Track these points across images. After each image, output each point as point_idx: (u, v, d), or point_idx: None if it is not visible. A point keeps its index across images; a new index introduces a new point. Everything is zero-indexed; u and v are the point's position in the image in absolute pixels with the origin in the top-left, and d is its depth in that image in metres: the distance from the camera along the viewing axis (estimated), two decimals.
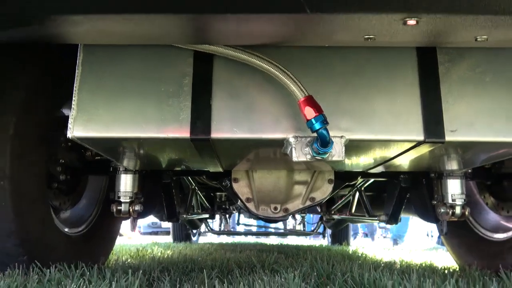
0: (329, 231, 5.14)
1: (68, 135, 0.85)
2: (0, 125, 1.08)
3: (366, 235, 7.35)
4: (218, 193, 2.92)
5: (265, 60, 0.79)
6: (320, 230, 5.11)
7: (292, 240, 6.39)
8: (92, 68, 0.87)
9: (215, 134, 0.85)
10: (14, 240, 1.13)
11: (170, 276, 1.15)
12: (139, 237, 7.02)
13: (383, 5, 0.60)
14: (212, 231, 4.88)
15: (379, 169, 1.37)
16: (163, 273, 1.24)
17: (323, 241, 5.89)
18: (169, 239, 5.52)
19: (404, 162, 1.20)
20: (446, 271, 1.42)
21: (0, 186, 1.07)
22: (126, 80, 0.87)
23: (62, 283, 0.90)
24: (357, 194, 2.20)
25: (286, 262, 1.60)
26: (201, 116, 0.84)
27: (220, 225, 5.11)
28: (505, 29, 0.71)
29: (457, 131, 0.86)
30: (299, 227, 5.30)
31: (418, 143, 0.87)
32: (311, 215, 5.23)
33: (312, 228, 5.12)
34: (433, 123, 0.85)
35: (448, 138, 0.85)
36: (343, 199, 2.50)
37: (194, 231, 5.05)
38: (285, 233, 5.88)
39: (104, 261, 1.72)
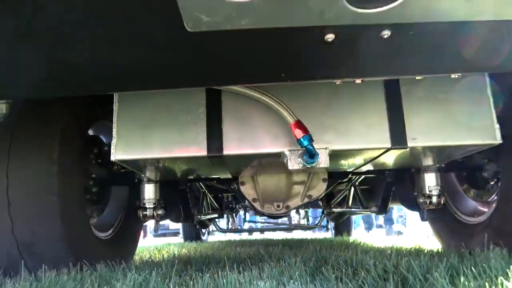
0: (332, 224, 5.39)
1: (111, 159, 1.09)
2: (47, 152, 1.32)
3: (380, 226, 7.52)
4: (225, 194, 3.17)
5: (263, 93, 1.02)
6: (324, 223, 5.37)
7: (297, 234, 6.64)
8: (126, 104, 1.10)
9: (226, 151, 1.08)
10: (64, 244, 1.36)
11: (192, 268, 1.38)
12: (151, 239, 7.28)
13: (345, 75, 0.81)
14: (220, 229, 5.13)
15: (367, 167, 1.60)
16: (185, 266, 1.47)
17: (327, 234, 6.13)
18: (177, 239, 5.78)
19: (387, 161, 1.42)
20: (427, 252, 1.65)
21: (51, 201, 1.31)
22: (154, 112, 1.10)
23: (113, 277, 1.13)
24: (352, 189, 2.44)
25: (290, 252, 1.83)
26: (214, 138, 1.07)
27: (227, 224, 5.34)
28: None
29: (417, 139, 1.09)
30: (303, 221, 5.54)
31: (387, 150, 1.10)
32: (316, 209, 5.46)
33: (316, 222, 5.38)
34: (397, 133, 1.08)
35: (410, 144, 1.08)
36: (341, 193, 2.73)
37: (204, 230, 5.31)
38: (290, 228, 6.14)
39: (131, 260, 1.96)
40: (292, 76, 0.72)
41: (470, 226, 1.83)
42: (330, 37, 0.54)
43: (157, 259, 1.94)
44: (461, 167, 1.78)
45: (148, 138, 1.09)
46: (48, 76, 0.74)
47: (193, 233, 4.94)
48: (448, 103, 1.10)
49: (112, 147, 1.08)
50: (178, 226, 5.94)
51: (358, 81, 0.96)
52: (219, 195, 3.11)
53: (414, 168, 1.67)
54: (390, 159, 1.36)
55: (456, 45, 0.69)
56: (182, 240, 5.27)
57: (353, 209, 2.52)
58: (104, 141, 1.74)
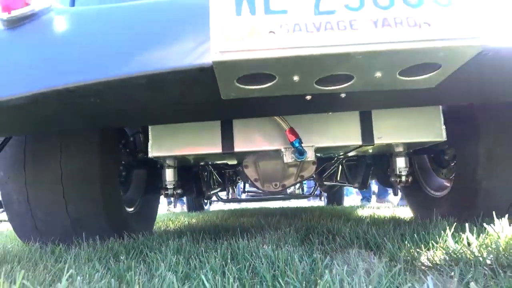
0: (325, 194, 5.83)
1: (149, 155, 1.42)
2: (90, 147, 1.64)
3: (374, 192, 7.97)
4: (227, 170, 3.53)
5: None
6: (317, 193, 5.80)
7: (293, 203, 7.10)
8: None
9: (237, 149, 1.41)
10: (105, 218, 1.71)
11: (209, 236, 1.75)
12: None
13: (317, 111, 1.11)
14: (221, 200, 5.55)
15: (350, 153, 1.93)
16: (200, 234, 1.83)
17: (320, 203, 6.59)
18: (177, 209, 6.20)
19: (366, 149, 1.75)
20: (395, 221, 2.02)
21: (94, 184, 1.64)
22: None
23: (148, 242, 1.49)
24: (340, 166, 2.81)
25: (286, 222, 2.21)
26: (227, 138, 1.40)
27: (227, 194, 5.75)
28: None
29: (382, 138, 1.42)
30: (298, 191, 5.96)
31: (359, 146, 1.44)
32: (310, 180, 5.87)
33: (310, 192, 5.81)
34: (367, 134, 1.41)
35: (376, 142, 1.42)
36: (331, 169, 3.10)
37: (206, 201, 5.73)
38: (286, 197, 6.58)
39: (152, 229, 2.33)
40: (287, 112, 1.05)
41: (436, 199, 2.20)
42: (308, 97, 0.85)
43: (173, 229, 2.31)
44: (428, 151, 2.12)
45: (176, 140, 1.41)
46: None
47: (196, 204, 5.35)
48: (406, 111, 1.42)
49: (149, 147, 1.41)
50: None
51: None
52: (222, 171, 3.48)
53: (388, 152, 2.01)
54: (368, 148, 1.70)
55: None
56: (186, 210, 5.69)
57: (340, 183, 2.89)
58: (128, 133, 2.06)
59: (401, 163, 1.94)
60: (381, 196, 5.35)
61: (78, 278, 0.85)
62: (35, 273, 1.01)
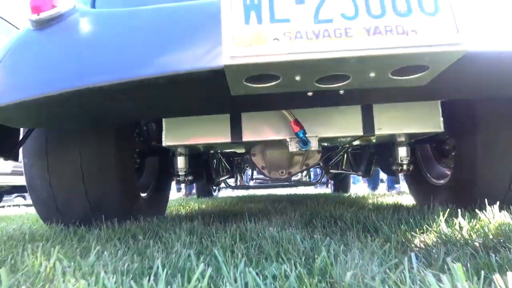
0: (331, 181, 5.92)
1: (162, 144, 1.52)
2: (107, 135, 1.74)
3: (382, 180, 8.04)
4: (236, 158, 3.64)
5: None
6: (324, 180, 5.89)
7: (299, 190, 7.21)
8: None
9: (245, 139, 1.50)
10: (123, 203, 1.83)
11: (218, 220, 1.86)
12: None
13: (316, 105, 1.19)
14: (230, 186, 5.68)
15: (354, 142, 2.02)
16: (211, 218, 1.95)
17: (327, 190, 6.69)
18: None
19: (370, 138, 1.83)
20: (396, 207, 2.11)
21: (111, 170, 1.75)
22: None
23: (163, 224, 1.61)
24: (345, 155, 2.89)
25: (291, 208, 2.31)
26: (236, 129, 1.50)
27: (235, 181, 5.87)
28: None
29: (382, 129, 1.50)
30: (305, 179, 6.06)
31: (360, 136, 1.53)
32: (317, 168, 5.95)
33: (317, 179, 5.90)
34: (368, 125, 1.50)
35: (377, 133, 1.50)
36: (336, 157, 3.19)
37: (215, 187, 5.87)
38: (294, 184, 6.69)
39: (164, 213, 2.45)
40: (291, 106, 1.15)
41: (436, 187, 2.28)
42: (310, 93, 0.94)
43: (185, 213, 2.43)
44: (430, 140, 2.19)
45: (188, 130, 1.51)
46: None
47: (205, 190, 5.49)
48: (406, 103, 1.50)
49: (162, 136, 1.51)
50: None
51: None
52: (230, 159, 3.59)
53: (391, 142, 2.09)
54: (370, 138, 1.78)
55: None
56: (195, 196, 5.84)
57: (345, 171, 2.98)
58: (142, 123, 2.16)
59: (402, 152, 2.02)
60: (391, 188, 5.42)
61: (105, 253, 0.96)
62: (63, 250, 1.13)
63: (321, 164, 3.83)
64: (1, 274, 0.74)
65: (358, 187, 7.59)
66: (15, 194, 11.94)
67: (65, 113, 1.09)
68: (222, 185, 5.55)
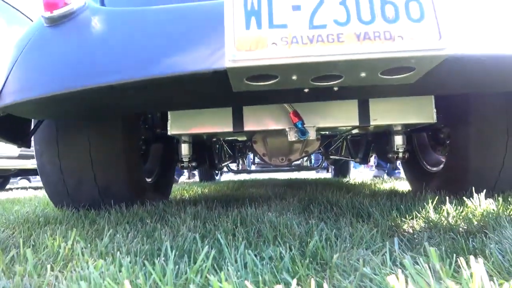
0: (332, 166, 6.02)
1: (168, 133, 1.59)
2: (114, 123, 1.82)
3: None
4: (238, 144, 3.72)
5: None
6: (325, 165, 5.98)
7: (300, 174, 7.32)
8: None
9: (246, 128, 1.58)
10: (130, 188, 1.92)
11: (220, 204, 1.95)
12: None
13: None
14: (232, 170, 5.79)
15: (353, 131, 2.09)
16: (214, 203, 2.04)
17: (328, 175, 6.79)
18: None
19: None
20: (390, 193, 2.20)
21: (119, 156, 1.84)
22: None
23: (168, 209, 1.70)
24: (345, 142, 2.97)
25: (291, 193, 2.40)
26: (238, 120, 1.57)
27: (237, 166, 5.98)
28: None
29: (377, 119, 1.57)
30: (306, 163, 6.17)
31: (356, 126, 1.60)
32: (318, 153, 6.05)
33: (317, 164, 6.00)
34: (364, 116, 1.56)
35: (372, 123, 1.57)
36: (336, 144, 3.27)
37: (217, 171, 5.98)
38: (295, 169, 6.80)
39: (168, 197, 2.55)
40: (289, 101, 1.22)
41: (431, 173, 2.36)
42: (306, 90, 1.01)
43: (189, 198, 2.53)
44: (426, 129, 2.26)
45: (192, 120, 1.59)
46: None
47: (208, 175, 5.59)
48: (397, 98, 1.56)
49: (168, 126, 1.59)
50: None
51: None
52: (233, 144, 3.67)
53: (387, 131, 2.16)
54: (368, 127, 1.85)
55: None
56: (197, 179, 5.96)
57: (344, 158, 3.06)
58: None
59: (398, 140, 2.09)
60: (391, 174, 5.51)
61: (117, 235, 1.05)
62: (78, 232, 1.22)
63: (322, 150, 3.93)
64: (27, 253, 0.83)
65: (359, 171, 7.69)
66: (20, 177, 12.16)
67: (77, 107, 1.16)
68: (224, 169, 5.67)
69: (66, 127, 1.78)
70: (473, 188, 1.82)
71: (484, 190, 1.50)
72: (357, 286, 0.66)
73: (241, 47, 0.78)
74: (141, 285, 0.62)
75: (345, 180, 4.45)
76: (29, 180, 13.10)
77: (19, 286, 0.70)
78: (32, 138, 1.81)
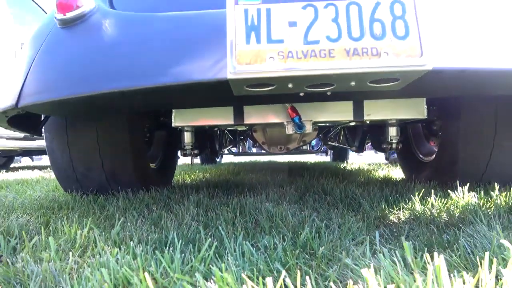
0: (331, 150, 6.13)
1: (172, 125, 1.68)
2: (121, 116, 1.91)
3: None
4: (238, 131, 3.81)
5: None
6: (324, 149, 6.10)
7: (300, 157, 7.43)
8: None
9: (246, 121, 1.67)
10: (135, 174, 2.02)
11: (221, 190, 2.06)
12: None
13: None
14: (233, 153, 5.90)
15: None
16: (215, 190, 2.15)
17: (327, 158, 6.90)
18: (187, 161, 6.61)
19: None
20: (387, 182, 2.30)
21: (125, 144, 1.93)
22: None
23: (172, 196, 1.80)
24: (342, 130, 3.06)
25: (289, 180, 2.51)
26: (238, 114, 1.66)
27: (238, 148, 6.08)
28: None
29: (370, 115, 1.66)
30: (306, 147, 6.28)
31: (351, 121, 1.68)
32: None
33: (317, 148, 6.12)
34: (358, 111, 1.65)
35: (365, 118, 1.66)
36: (334, 131, 3.36)
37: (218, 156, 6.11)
38: (294, 152, 6.92)
39: (171, 182, 2.66)
40: (286, 101, 1.31)
41: (424, 163, 2.46)
42: (302, 94, 1.09)
43: (191, 183, 2.64)
44: (420, 120, 2.34)
45: (195, 113, 1.67)
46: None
47: (209, 158, 5.70)
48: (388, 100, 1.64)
49: (172, 118, 1.68)
50: None
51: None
52: (234, 131, 3.76)
53: (382, 123, 2.25)
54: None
55: None
56: (199, 161, 6.08)
57: (341, 145, 3.16)
58: None
59: (393, 132, 2.18)
60: (390, 157, 5.62)
61: (128, 223, 1.16)
62: (89, 218, 1.33)
63: (321, 136, 4.02)
64: (50, 241, 0.94)
65: (357, 155, 7.81)
66: (21, 156, 12.31)
67: (87, 106, 1.25)
68: (226, 151, 5.78)
69: (74, 118, 1.86)
70: (462, 178, 1.93)
71: (469, 183, 1.60)
72: (339, 275, 0.77)
73: (242, 61, 0.86)
74: (153, 272, 0.73)
75: (342, 165, 4.56)
76: (31, 159, 13.26)
77: (46, 270, 0.80)
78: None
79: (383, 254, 0.78)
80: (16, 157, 10.28)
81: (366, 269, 0.62)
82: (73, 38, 1.18)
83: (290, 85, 0.95)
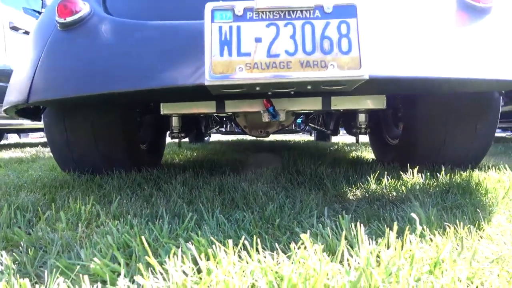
0: (314, 131, 6.39)
1: (160, 113, 1.88)
2: (114, 108, 2.09)
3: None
4: (221, 114, 4.02)
5: None
6: (308, 129, 6.35)
7: (286, 136, 7.68)
8: None
9: (227, 110, 1.87)
10: (127, 155, 2.23)
11: (205, 170, 2.28)
12: None
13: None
14: (221, 132, 6.12)
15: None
16: (201, 168, 2.37)
17: (311, 138, 7.16)
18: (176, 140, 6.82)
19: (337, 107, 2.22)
20: (356, 162, 2.55)
21: (117, 127, 2.12)
22: None
23: (162, 175, 2.02)
24: (320, 115, 3.29)
25: (268, 160, 2.74)
26: (220, 104, 1.86)
27: (225, 128, 6.28)
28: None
29: (336, 105, 1.88)
30: (291, 127, 6.53)
31: (320, 110, 1.90)
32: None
33: (301, 128, 6.37)
34: (326, 102, 1.87)
35: (332, 108, 1.87)
36: (312, 115, 3.59)
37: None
38: (280, 132, 7.18)
39: (160, 162, 2.88)
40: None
41: (391, 146, 2.71)
42: (270, 93, 1.30)
43: (179, 163, 2.86)
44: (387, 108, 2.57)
45: (181, 103, 1.87)
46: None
47: (197, 138, 5.91)
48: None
49: (160, 107, 1.88)
50: None
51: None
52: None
53: (353, 109, 2.47)
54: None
55: None
56: (188, 140, 6.28)
57: (319, 128, 3.39)
58: None
59: (362, 118, 2.41)
60: None
61: (124, 200, 1.38)
62: (90, 197, 1.54)
63: (303, 118, 4.25)
64: (61, 215, 1.16)
65: (341, 136, 8.08)
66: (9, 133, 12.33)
67: (85, 100, 1.44)
68: (214, 130, 5.98)
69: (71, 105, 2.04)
70: (419, 160, 2.18)
71: (424, 164, 1.84)
72: (289, 240, 1.00)
73: (216, 71, 1.06)
74: (147, 238, 0.96)
75: (323, 145, 4.80)
76: (19, 136, 13.27)
77: (61, 237, 1.02)
78: None
79: (323, 225, 1.01)
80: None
81: (304, 234, 0.85)
82: (73, 40, 1.36)
83: (257, 88, 1.15)
